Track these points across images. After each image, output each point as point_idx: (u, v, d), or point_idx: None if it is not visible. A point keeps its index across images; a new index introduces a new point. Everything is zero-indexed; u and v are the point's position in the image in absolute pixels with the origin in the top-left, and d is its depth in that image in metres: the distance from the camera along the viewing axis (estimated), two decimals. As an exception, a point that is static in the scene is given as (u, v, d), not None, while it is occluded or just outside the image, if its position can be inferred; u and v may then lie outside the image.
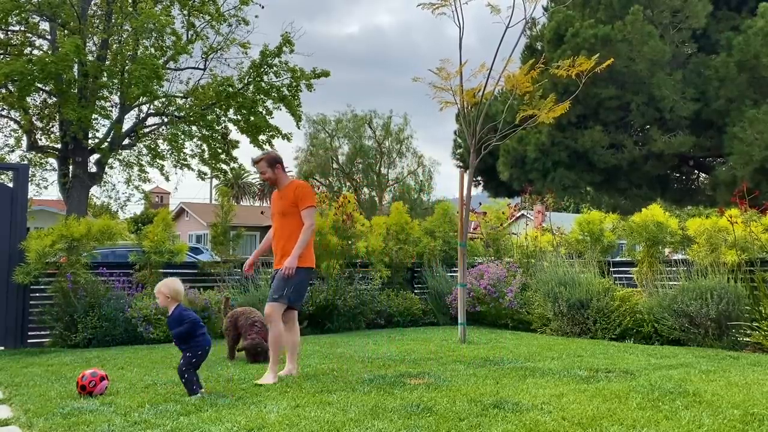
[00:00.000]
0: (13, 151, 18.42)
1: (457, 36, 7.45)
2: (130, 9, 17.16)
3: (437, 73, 7.45)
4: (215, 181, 20.10)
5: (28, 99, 16.67)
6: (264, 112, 18.56)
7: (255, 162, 5.33)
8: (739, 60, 12.87)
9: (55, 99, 16.77)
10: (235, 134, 19.45)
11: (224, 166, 19.48)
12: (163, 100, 18.14)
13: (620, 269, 8.86)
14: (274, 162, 5.28)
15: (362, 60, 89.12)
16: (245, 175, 49.51)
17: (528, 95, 7.52)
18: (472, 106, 7.59)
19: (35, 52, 16.93)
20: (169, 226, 8.89)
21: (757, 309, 6.52)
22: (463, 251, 7.55)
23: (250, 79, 18.29)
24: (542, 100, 7.48)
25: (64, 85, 15.69)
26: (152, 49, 17.57)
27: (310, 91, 18.73)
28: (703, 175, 17.09)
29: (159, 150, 19.24)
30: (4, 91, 16.16)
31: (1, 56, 16.22)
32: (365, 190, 39.47)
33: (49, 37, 16.76)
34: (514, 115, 8.02)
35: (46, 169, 19.13)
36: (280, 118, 44.34)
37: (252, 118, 18.19)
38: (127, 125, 17.88)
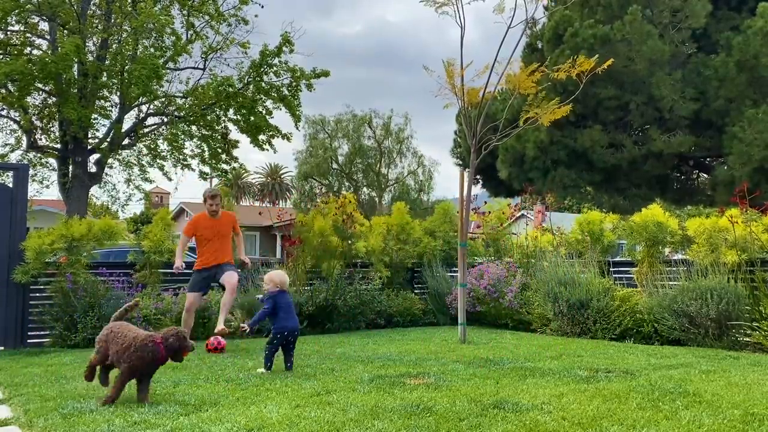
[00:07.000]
0: (13, 151, 18.41)
1: (459, 36, 7.45)
2: (130, 9, 17.14)
3: (445, 69, 7.40)
4: (215, 181, 20.10)
5: (28, 99, 16.64)
6: (264, 111, 18.57)
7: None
8: (739, 60, 12.88)
9: (55, 99, 16.75)
10: (235, 134, 19.46)
11: (225, 166, 19.49)
12: (163, 99, 18.13)
13: (620, 269, 8.85)
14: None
15: (365, 58, 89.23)
16: (245, 175, 49.51)
17: (530, 96, 7.51)
18: (473, 106, 7.58)
19: (35, 52, 16.91)
20: (168, 226, 8.89)
21: (757, 309, 6.52)
22: (463, 251, 7.55)
23: (249, 79, 18.28)
24: (544, 101, 7.45)
25: (64, 84, 15.67)
26: (152, 49, 17.55)
27: (310, 90, 18.74)
28: (703, 174, 17.10)
29: (159, 150, 19.23)
30: (4, 91, 16.13)
31: (1, 56, 16.19)
32: (365, 190, 39.44)
33: (48, 37, 16.74)
34: (514, 114, 8.01)
35: (47, 168, 19.13)
36: (280, 117, 44.38)
37: (252, 118, 18.19)
38: (127, 125, 17.86)
